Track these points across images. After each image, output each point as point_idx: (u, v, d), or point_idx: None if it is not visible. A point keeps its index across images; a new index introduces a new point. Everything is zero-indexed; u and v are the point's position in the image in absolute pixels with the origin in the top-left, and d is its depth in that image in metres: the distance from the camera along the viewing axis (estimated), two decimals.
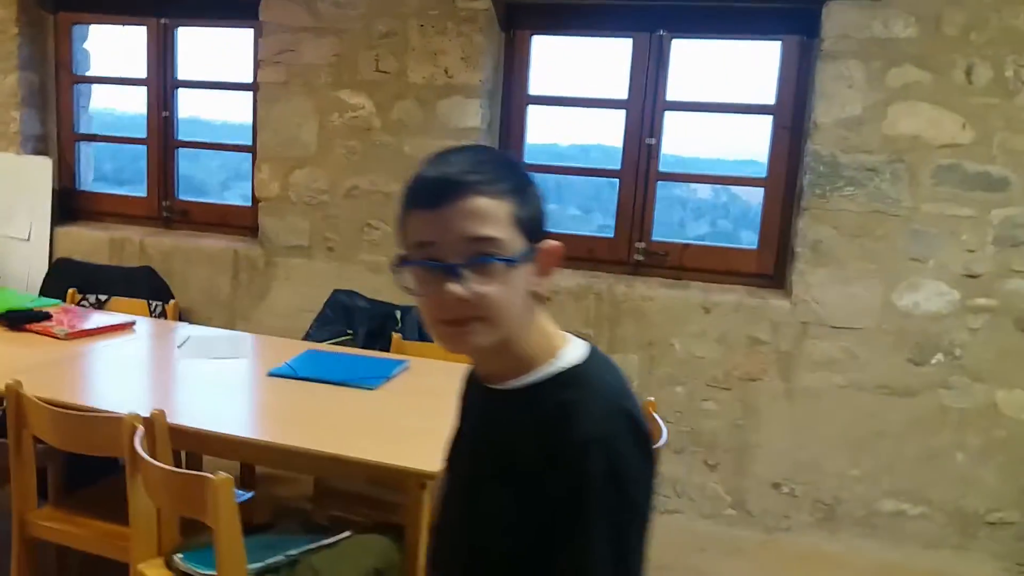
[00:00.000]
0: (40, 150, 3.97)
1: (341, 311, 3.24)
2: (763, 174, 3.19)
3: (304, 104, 3.49)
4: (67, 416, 1.88)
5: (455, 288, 0.92)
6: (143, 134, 3.91)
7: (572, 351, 1.01)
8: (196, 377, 2.38)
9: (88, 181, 4.13)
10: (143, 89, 3.88)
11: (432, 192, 0.94)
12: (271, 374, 2.29)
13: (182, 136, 3.92)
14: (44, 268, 3.79)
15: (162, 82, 3.84)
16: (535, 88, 3.40)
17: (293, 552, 1.74)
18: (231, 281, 3.70)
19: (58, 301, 2.92)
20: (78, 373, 2.37)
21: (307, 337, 3.18)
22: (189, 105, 3.99)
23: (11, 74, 3.85)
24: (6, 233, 3.87)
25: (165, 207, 3.91)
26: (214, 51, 3.98)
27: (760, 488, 3.13)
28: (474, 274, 0.93)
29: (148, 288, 3.60)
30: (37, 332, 2.54)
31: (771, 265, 3.20)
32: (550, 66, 3.48)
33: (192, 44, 3.86)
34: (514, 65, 3.36)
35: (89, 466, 2.19)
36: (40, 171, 3.86)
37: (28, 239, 3.84)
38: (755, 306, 3.08)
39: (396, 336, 2.68)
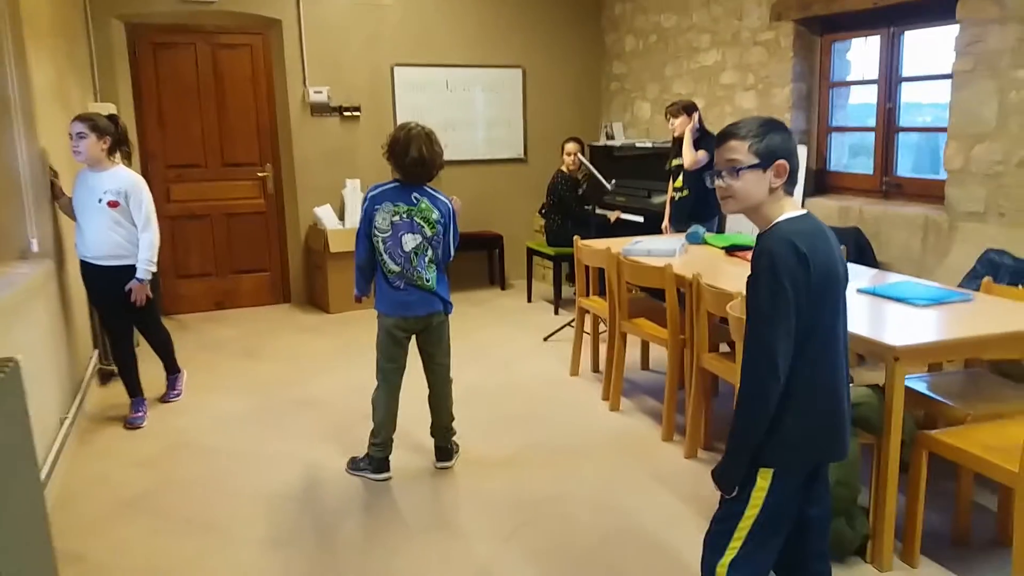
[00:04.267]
0: (802, 141, 5.37)
1: (988, 266, 3.71)
2: None
3: (986, 86, 3.98)
4: (715, 292, 3.21)
5: (716, 182, 1.90)
6: (873, 123, 4.92)
7: (788, 215, 1.84)
8: None
9: (839, 163, 5.35)
10: (874, 87, 4.88)
11: (718, 138, 1.93)
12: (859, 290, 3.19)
13: (903, 123, 4.79)
14: None
15: (888, 80, 4.78)
16: None
17: None
18: (921, 243, 4.44)
19: None
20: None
21: (960, 286, 3.77)
22: (911, 95, 4.81)
23: (786, 86, 5.35)
24: None
25: (884, 181, 4.85)
26: (926, 49, 4.67)
27: None
28: (727, 175, 1.87)
29: (854, 245, 4.63)
30: (739, 257, 3.97)
31: None
32: None
33: (911, 45, 4.67)
34: None
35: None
36: (799, 157, 5.25)
37: None
38: None
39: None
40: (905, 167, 4.90)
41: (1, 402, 2.05)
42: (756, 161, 1.85)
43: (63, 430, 3.55)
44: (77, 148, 3.79)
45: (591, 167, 5.56)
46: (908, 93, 4.79)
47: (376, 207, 3.22)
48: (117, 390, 4.34)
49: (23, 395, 2.30)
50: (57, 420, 3.55)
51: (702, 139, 5.01)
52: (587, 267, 4.58)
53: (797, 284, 1.75)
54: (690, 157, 4.95)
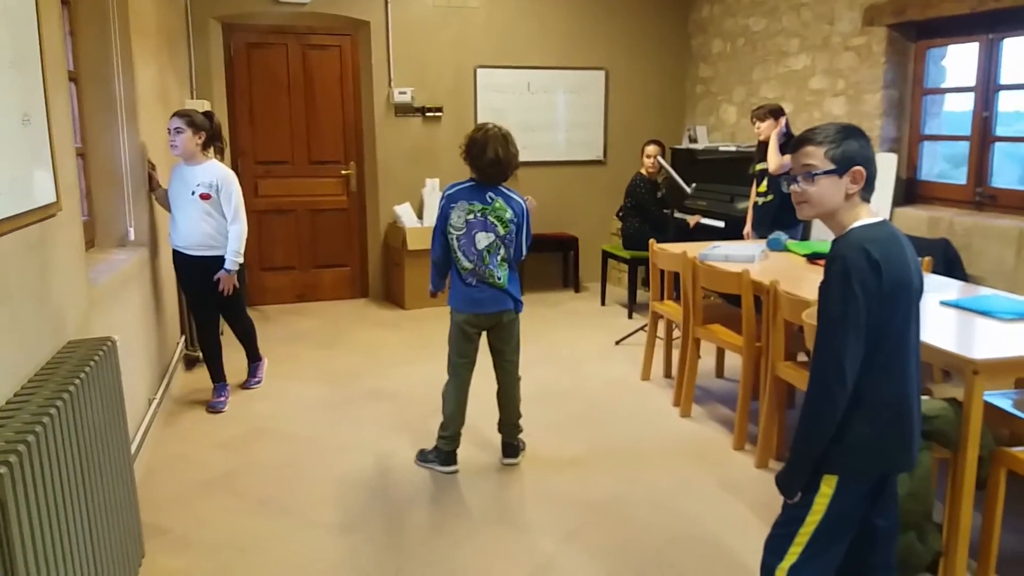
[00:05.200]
0: (892, 149, 5.21)
1: None
2: None
3: None
4: (792, 300, 3.16)
5: (792, 187, 1.88)
6: (967, 132, 4.74)
7: (863, 221, 1.81)
8: None
9: (930, 173, 5.16)
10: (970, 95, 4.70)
11: (794, 144, 1.91)
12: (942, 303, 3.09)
13: (1000, 132, 4.60)
14: None
15: (985, 87, 4.60)
16: None
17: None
18: (1015, 256, 4.25)
19: None
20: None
21: None
22: (1011, 103, 4.61)
23: (877, 92, 5.20)
24: None
25: (978, 192, 4.67)
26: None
27: None
28: (803, 180, 1.85)
29: (942, 257, 4.47)
30: (821, 265, 3.88)
31: None
32: None
33: (1011, 52, 4.48)
34: None
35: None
36: (887, 165, 5.10)
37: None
38: None
39: None
40: (1006, 179, 4.70)
41: (99, 377, 2.19)
42: (832, 167, 1.83)
43: (150, 410, 3.73)
44: (174, 142, 3.98)
45: (670, 170, 5.53)
46: (1007, 102, 4.60)
47: (452, 205, 3.29)
48: (201, 375, 4.54)
49: (119, 372, 2.44)
50: (145, 401, 3.74)
51: (788, 143, 4.91)
52: (662, 271, 4.55)
53: (868, 291, 1.73)
54: (775, 161, 4.87)
